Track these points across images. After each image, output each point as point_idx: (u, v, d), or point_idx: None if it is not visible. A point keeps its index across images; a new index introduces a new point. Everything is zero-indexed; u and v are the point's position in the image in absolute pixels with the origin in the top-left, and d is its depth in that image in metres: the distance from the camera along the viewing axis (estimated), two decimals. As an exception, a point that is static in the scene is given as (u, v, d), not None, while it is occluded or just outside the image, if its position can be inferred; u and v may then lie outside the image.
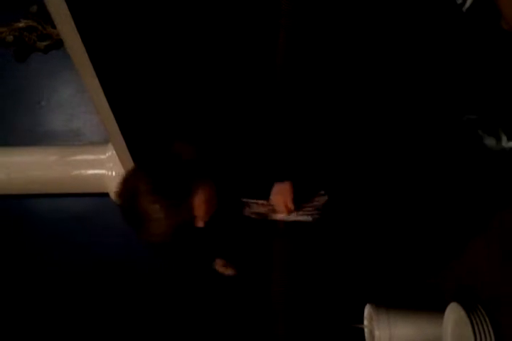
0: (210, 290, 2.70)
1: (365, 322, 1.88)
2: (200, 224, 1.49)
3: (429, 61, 1.63)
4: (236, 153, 1.56)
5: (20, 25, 3.00)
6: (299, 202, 1.50)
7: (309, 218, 1.51)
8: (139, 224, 1.47)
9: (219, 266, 1.71)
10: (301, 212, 1.51)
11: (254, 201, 1.53)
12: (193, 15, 1.96)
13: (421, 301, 2.17)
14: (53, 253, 2.91)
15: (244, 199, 1.54)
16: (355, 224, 1.62)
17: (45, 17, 2.95)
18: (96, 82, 2.01)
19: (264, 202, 1.52)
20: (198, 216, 1.47)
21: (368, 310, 1.87)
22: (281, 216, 1.52)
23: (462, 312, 1.64)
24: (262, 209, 1.53)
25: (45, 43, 3.06)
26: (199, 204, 1.45)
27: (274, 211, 1.52)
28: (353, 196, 1.54)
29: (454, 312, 1.71)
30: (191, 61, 2.06)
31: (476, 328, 1.57)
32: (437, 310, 1.84)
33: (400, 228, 1.66)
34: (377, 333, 1.79)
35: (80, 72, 1.99)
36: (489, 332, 1.57)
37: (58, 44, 3.03)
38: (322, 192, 1.52)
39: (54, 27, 2.93)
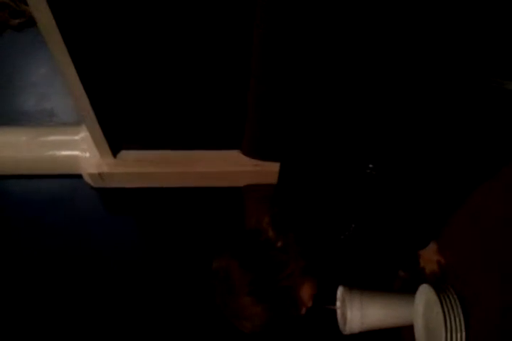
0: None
1: (338, 304, 1.89)
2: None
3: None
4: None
5: (-8, 1, 2.93)
6: None
7: None
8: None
9: None
10: None
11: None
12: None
13: (393, 283, 2.20)
14: (26, 236, 2.87)
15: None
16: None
17: (17, -7, 2.90)
18: (68, 60, 1.98)
19: None
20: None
21: (340, 291, 1.88)
22: None
23: (432, 294, 1.66)
24: None
25: (18, 21, 3.00)
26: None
27: None
28: None
29: (424, 294, 1.74)
30: (169, 39, 2.03)
31: (445, 309, 1.59)
32: (410, 291, 1.86)
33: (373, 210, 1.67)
34: (349, 314, 1.80)
35: (51, 49, 1.96)
36: (459, 313, 1.59)
37: (31, 22, 2.97)
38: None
39: (27, 4, 2.87)
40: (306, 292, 1.62)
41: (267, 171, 2.50)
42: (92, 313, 2.64)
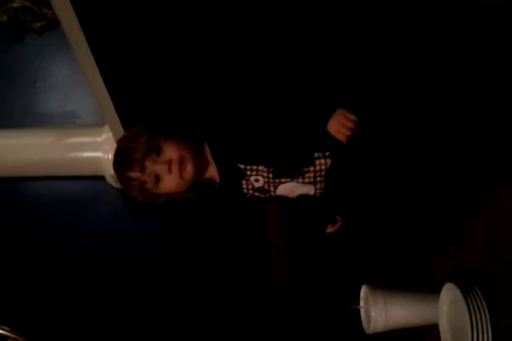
0: (208, 273, 2.71)
1: (361, 303, 1.89)
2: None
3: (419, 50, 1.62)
4: (229, 110, 1.53)
5: (15, 5, 2.97)
6: (298, 165, 1.44)
7: (312, 189, 1.45)
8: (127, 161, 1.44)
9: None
10: (299, 180, 1.47)
11: (253, 167, 1.47)
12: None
13: (416, 282, 2.18)
14: (49, 237, 2.90)
15: (242, 166, 1.49)
16: (357, 198, 1.57)
17: (39, -3, 2.93)
18: (92, 61, 2.00)
19: (262, 167, 1.46)
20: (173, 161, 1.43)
21: (363, 290, 1.88)
22: (282, 189, 1.47)
23: (457, 293, 1.65)
24: (260, 182, 1.47)
25: (39, 24, 3.03)
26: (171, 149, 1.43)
27: (274, 183, 1.47)
28: (359, 159, 1.46)
29: (449, 293, 1.73)
30: (188, 41, 2.05)
31: (471, 308, 1.58)
32: (432, 290, 1.85)
33: (396, 209, 1.66)
34: (373, 314, 1.80)
35: (75, 51, 1.98)
36: (485, 311, 1.58)
37: (53, 25, 3.00)
38: (327, 153, 1.42)
39: (49, 7, 2.91)
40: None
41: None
42: (115, 312, 2.67)
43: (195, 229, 2.78)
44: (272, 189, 1.49)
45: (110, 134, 2.60)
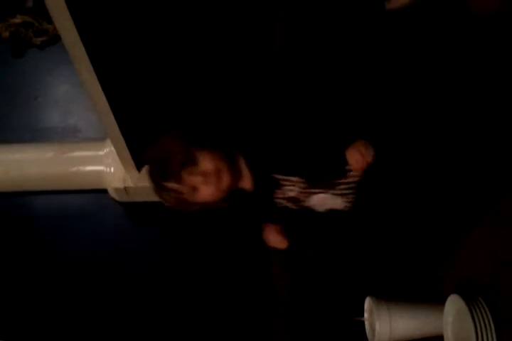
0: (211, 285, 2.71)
1: (366, 315, 1.88)
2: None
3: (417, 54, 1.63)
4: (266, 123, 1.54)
5: (17, 21, 2.99)
6: (331, 177, 1.46)
7: (342, 203, 1.47)
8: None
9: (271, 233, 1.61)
10: (331, 191, 1.47)
11: (286, 178, 1.48)
12: (191, 12, 1.96)
13: (420, 293, 2.17)
14: (52, 251, 2.90)
15: (277, 176, 1.50)
16: (388, 210, 1.58)
17: (41, 13, 2.95)
18: (93, 76, 2.01)
19: (297, 179, 1.47)
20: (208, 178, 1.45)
21: (368, 303, 1.88)
22: (314, 200, 1.48)
23: (462, 304, 1.64)
24: (294, 191, 1.49)
25: (41, 39, 3.05)
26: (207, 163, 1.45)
27: (307, 193, 1.48)
28: (387, 172, 1.48)
29: (454, 304, 1.72)
30: (189, 54, 2.06)
31: (476, 319, 1.57)
32: (437, 302, 1.84)
33: (400, 220, 1.66)
34: (377, 326, 1.79)
35: (76, 66, 1.99)
36: (489, 323, 1.57)
37: (54, 40, 3.02)
38: None
39: (50, 23, 2.93)
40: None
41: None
42: (118, 326, 2.66)
43: (197, 243, 2.78)
44: (304, 199, 1.50)
45: (112, 148, 2.61)
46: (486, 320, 1.58)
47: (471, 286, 1.84)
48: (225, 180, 1.45)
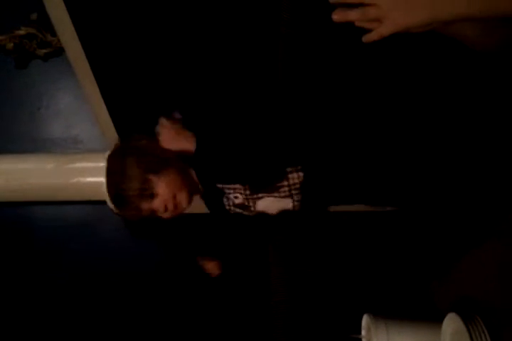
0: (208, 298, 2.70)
1: (363, 333, 1.87)
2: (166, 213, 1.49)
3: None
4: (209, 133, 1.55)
5: (21, 32, 3.01)
6: (271, 181, 1.46)
7: (290, 203, 1.46)
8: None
9: (205, 262, 1.68)
10: (275, 194, 1.47)
11: (230, 186, 1.50)
12: (194, 23, 1.96)
13: (419, 311, 2.16)
14: (52, 262, 2.90)
15: (220, 185, 1.51)
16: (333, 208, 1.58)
17: (45, 25, 2.97)
18: (96, 89, 2.02)
19: (239, 186, 1.48)
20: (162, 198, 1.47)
21: (365, 320, 1.87)
22: (261, 205, 1.49)
23: (460, 323, 1.63)
24: (240, 198, 1.50)
25: (44, 51, 3.07)
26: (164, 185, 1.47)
27: (252, 198, 1.49)
28: (333, 171, 1.45)
29: (452, 323, 1.71)
30: (194, 70, 2.06)
31: (474, 338, 1.56)
32: (435, 320, 1.83)
33: (395, 235, 1.66)
34: (375, 343, 1.78)
35: (79, 79, 2.00)
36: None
37: (58, 52, 3.04)
38: (299, 167, 1.43)
39: (53, 35, 2.94)
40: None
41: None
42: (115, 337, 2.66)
43: (195, 253, 2.77)
44: (251, 204, 1.51)
45: (113, 160, 2.61)
46: (484, 339, 1.57)
47: (470, 304, 1.83)
48: (183, 201, 1.49)
